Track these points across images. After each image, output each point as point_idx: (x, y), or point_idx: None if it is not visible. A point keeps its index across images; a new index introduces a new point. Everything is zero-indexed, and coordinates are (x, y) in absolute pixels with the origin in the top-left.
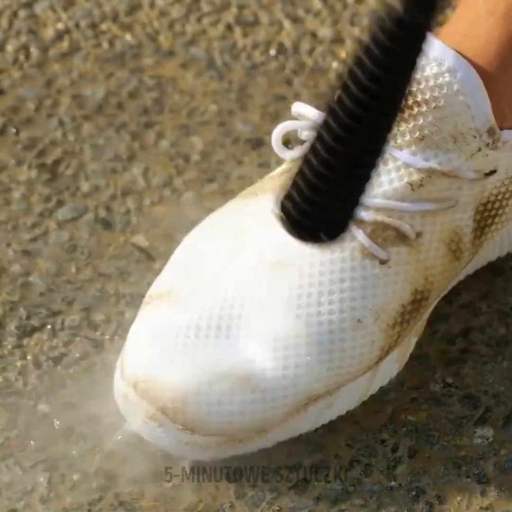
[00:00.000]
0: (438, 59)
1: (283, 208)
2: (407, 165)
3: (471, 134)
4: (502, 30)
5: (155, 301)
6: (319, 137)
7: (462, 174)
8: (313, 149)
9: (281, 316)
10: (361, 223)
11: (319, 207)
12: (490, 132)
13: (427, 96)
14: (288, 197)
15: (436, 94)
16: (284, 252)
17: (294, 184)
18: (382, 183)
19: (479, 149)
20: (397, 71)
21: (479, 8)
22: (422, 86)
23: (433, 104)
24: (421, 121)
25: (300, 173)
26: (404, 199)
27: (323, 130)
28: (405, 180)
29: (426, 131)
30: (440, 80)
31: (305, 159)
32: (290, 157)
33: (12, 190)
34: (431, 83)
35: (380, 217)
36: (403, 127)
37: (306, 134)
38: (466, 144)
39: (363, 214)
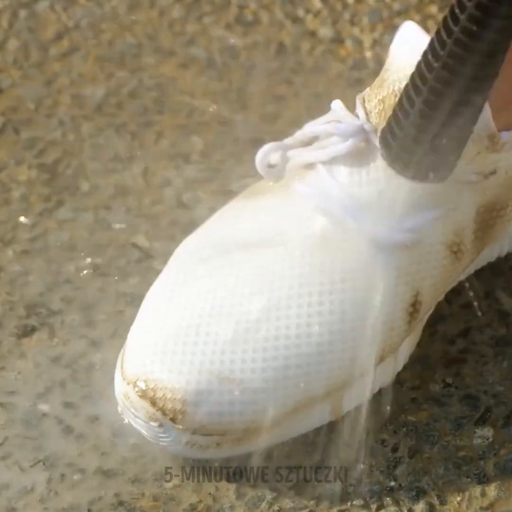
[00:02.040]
0: None
1: (386, 143)
2: None
3: (470, 139)
4: None
5: (156, 301)
6: (420, 75)
7: (463, 178)
8: (414, 87)
9: (281, 315)
10: (361, 225)
11: (422, 144)
12: (490, 137)
13: None
14: (391, 132)
15: None
16: (283, 253)
17: (397, 119)
18: (381, 187)
19: (479, 153)
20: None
21: None
22: None
23: None
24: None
25: (402, 110)
26: (404, 202)
27: (424, 68)
28: (404, 185)
29: None
30: None
31: (407, 97)
32: (275, 177)
33: (12, 190)
34: None
35: (379, 220)
36: None
37: (290, 154)
38: (465, 148)
39: (363, 217)
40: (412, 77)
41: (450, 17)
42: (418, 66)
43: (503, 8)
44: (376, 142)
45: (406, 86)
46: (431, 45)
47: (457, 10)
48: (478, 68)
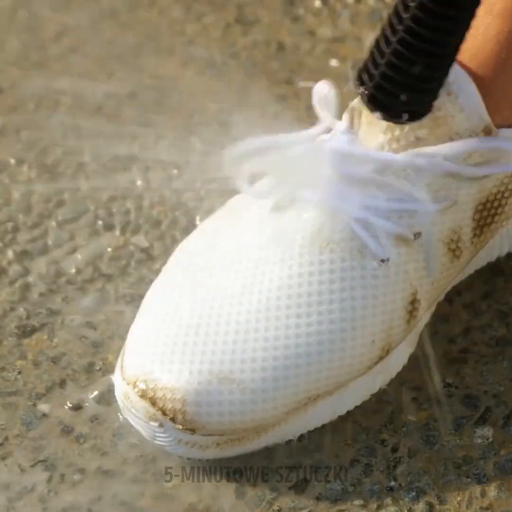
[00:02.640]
0: None
1: (361, 81)
2: (404, 167)
3: (467, 134)
4: (499, 29)
5: (155, 301)
6: (396, 15)
7: (461, 174)
8: (391, 27)
9: (281, 315)
10: (360, 222)
11: (398, 80)
12: (486, 131)
13: None
14: (366, 70)
15: None
16: (283, 253)
17: (372, 58)
18: (379, 184)
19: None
20: None
21: None
22: None
23: None
24: (416, 123)
25: (377, 47)
26: (402, 200)
27: (400, 7)
28: (402, 180)
29: (420, 134)
30: None
31: (383, 37)
32: (256, 195)
33: (12, 190)
34: None
35: (378, 218)
36: (397, 132)
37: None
38: (461, 142)
39: (363, 214)
40: (389, 17)
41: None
42: (394, 6)
43: None
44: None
45: (383, 26)
46: None
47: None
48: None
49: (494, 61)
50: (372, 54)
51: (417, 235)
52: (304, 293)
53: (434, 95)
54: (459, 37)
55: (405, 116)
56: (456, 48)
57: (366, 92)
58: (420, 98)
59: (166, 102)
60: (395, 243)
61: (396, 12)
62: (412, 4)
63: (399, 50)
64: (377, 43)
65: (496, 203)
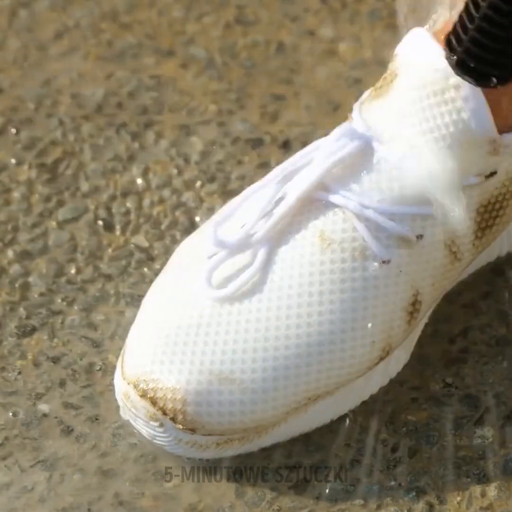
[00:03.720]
0: (445, 72)
1: (450, 47)
2: (408, 169)
3: (471, 143)
4: None
5: (156, 301)
6: None
7: (464, 182)
8: None
9: (282, 315)
10: (363, 222)
11: (488, 44)
12: (491, 141)
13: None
14: (455, 35)
15: (442, 109)
16: (284, 252)
17: (461, 23)
18: (381, 187)
19: (480, 156)
20: None
21: None
22: (429, 101)
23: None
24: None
25: (467, 12)
26: (405, 202)
27: None
28: (406, 183)
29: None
30: (446, 95)
31: (472, 2)
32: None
33: (12, 190)
34: (438, 98)
35: (381, 219)
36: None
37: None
38: (466, 150)
39: (364, 215)
40: None
41: None
42: None
43: None
44: (376, 146)
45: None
46: None
47: None
48: None
49: None
50: (461, 19)
51: (419, 236)
52: (305, 294)
53: None
54: None
55: (493, 81)
56: None
57: (455, 57)
58: (508, 62)
59: (166, 102)
60: (397, 244)
61: None
62: None
63: (489, 15)
64: (466, 8)
65: (497, 205)
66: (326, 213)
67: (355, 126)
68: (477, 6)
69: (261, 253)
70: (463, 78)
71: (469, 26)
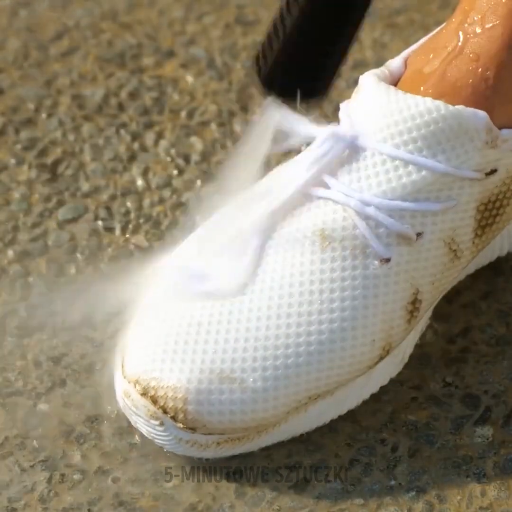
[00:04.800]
0: None
1: (257, 65)
2: (405, 165)
3: (468, 134)
4: (503, 29)
5: (156, 300)
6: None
7: (462, 174)
8: (282, 15)
9: (282, 314)
10: (364, 219)
11: (292, 59)
12: (488, 131)
13: None
14: (262, 53)
15: None
16: (285, 251)
17: (268, 42)
18: (381, 182)
19: (478, 148)
20: None
21: (481, 6)
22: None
23: None
24: (418, 120)
25: (274, 32)
26: (404, 199)
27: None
28: (404, 179)
29: (423, 131)
30: None
31: (280, 19)
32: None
33: (12, 190)
34: None
35: (381, 216)
36: (400, 126)
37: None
38: (464, 143)
39: (365, 213)
40: (280, 7)
41: None
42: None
43: None
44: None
45: (277, 12)
46: None
47: None
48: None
49: (499, 61)
50: (268, 37)
51: (419, 234)
52: (306, 292)
53: (327, 81)
54: (352, 28)
55: (298, 96)
56: (349, 38)
57: (262, 74)
58: (314, 80)
59: (166, 102)
60: (397, 242)
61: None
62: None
63: (293, 35)
64: (273, 26)
65: (497, 204)
66: (326, 211)
67: (343, 123)
68: (283, 25)
69: (253, 246)
70: (268, 94)
71: (276, 45)
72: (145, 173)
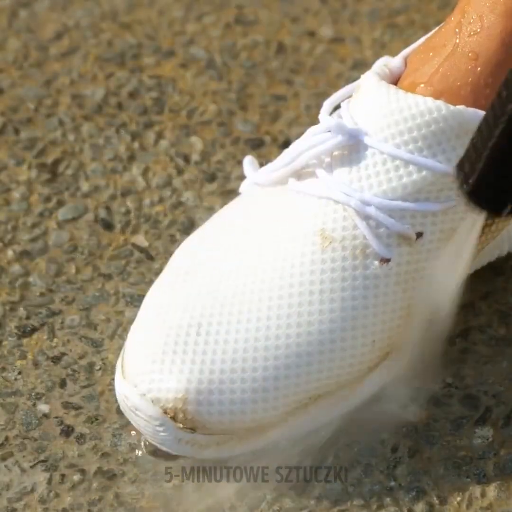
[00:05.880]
0: None
1: (463, 174)
2: (406, 164)
3: (469, 134)
4: (502, 27)
5: (156, 301)
6: (493, 114)
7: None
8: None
9: (282, 314)
10: (364, 219)
11: (501, 173)
12: None
13: None
14: (469, 163)
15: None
16: (285, 251)
17: (473, 149)
18: (381, 182)
19: None
20: None
21: (480, 5)
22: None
23: None
24: (419, 120)
25: (482, 141)
26: (405, 199)
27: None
28: (404, 179)
29: (423, 131)
30: None
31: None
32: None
33: (12, 190)
34: None
35: (381, 216)
36: (401, 125)
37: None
38: (464, 143)
39: (365, 212)
40: (486, 115)
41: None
42: (491, 107)
43: None
44: (366, 140)
45: (481, 122)
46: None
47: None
48: None
49: (498, 59)
50: (473, 145)
51: (419, 234)
52: (306, 292)
53: None
54: None
55: (507, 209)
56: None
57: (468, 187)
58: None
59: (166, 102)
60: (398, 243)
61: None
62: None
63: (502, 145)
64: (479, 134)
65: None
66: (326, 211)
67: (344, 120)
68: (490, 135)
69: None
70: (474, 208)
71: (483, 153)
72: (145, 173)
